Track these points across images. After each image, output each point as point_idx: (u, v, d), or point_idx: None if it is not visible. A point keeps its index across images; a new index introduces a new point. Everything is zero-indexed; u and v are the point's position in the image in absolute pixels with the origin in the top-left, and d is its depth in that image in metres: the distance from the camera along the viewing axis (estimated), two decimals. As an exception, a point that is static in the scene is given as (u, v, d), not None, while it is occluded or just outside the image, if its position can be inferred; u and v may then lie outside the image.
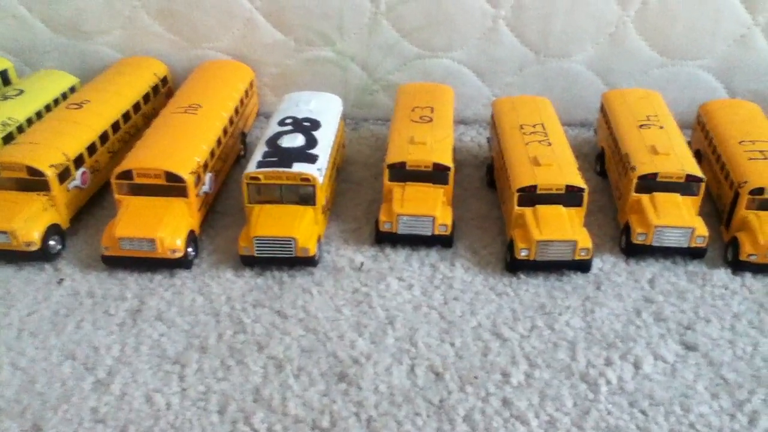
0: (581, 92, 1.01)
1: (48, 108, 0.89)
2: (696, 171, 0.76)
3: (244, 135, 0.94)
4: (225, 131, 0.85)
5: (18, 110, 0.84)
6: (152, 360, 0.60)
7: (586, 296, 0.69)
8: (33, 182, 0.72)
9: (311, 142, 0.78)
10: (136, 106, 0.91)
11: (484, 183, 0.88)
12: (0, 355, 0.60)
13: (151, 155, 0.73)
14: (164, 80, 0.98)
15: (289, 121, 0.82)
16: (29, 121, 0.85)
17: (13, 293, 0.68)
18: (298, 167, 0.73)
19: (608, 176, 0.88)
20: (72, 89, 0.94)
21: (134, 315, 0.65)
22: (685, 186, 0.75)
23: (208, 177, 0.77)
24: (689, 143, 0.83)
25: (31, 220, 0.71)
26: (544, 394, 0.58)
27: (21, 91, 0.88)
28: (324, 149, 0.78)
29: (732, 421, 0.56)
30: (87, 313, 0.65)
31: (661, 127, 0.83)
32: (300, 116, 0.83)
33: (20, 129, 0.83)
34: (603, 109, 0.92)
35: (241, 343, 0.62)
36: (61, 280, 0.69)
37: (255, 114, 1.02)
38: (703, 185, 0.75)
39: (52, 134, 0.77)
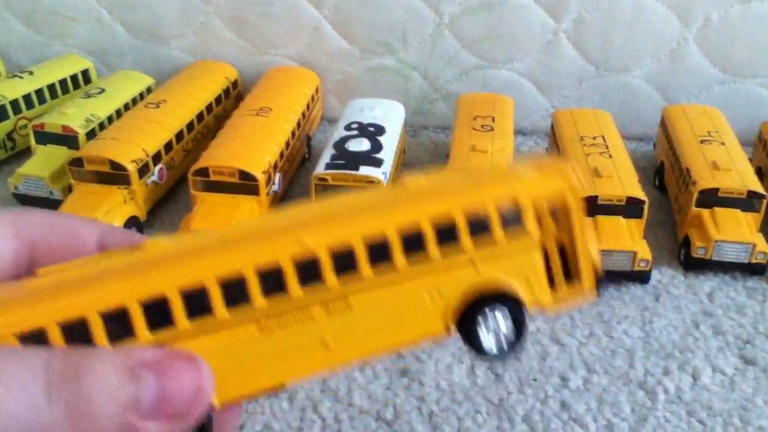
0: (640, 107, 1.02)
1: (127, 107, 0.93)
2: (758, 187, 0.76)
3: (309, 138, 0.98)
4: (293, 134, 0.88)
5: (100, 108, 0.89)
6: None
7: (645, 307, 0.70)
8: (115, 176, 0.77)
9: (376, 146, 0.81)
10: (209, 108, 0.95)
11: (542, 193, 0.90)
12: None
13: (225, 154, 0.77)
14: (234, 84, 1.03)
15: (354, 126, 0.86)
16: (110, 119, 0.90)
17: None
18: (365, 170, 0.76)
19: (667, 190, 0.88)
20: (149, 89, 0.99)
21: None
22: (747, 202, 0.76)
23: (277, 177, 0.80)
24: (750, 160, 0.83)
25: (112, 211, 0.75)
26: (602, 400, 0.60)
27: (102, 90, 0.93)
28: (389, 154, 0.81)
29: (791, 436, 0.57)
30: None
31: (722, 144, 0.83)
32: (365, 122, 0.86)
33: (101, 126, 0.88)
34: (663, 124, 0.93)
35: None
36: None
37: (320, 119, 1.06)
38: (764, 202, 0.75)
39: (132, 131, 0.81)
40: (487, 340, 0.34)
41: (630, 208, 0.74)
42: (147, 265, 0.31)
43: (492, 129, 0.86)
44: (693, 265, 0.75)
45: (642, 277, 0.73)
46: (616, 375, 0.62)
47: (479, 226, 0.33)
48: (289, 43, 1.04)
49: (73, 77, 1.01)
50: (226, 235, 0.32)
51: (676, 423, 0.57)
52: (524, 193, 0.33)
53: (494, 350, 0.34)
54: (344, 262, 0.32)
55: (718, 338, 0.66)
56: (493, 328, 0.34)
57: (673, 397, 0.60)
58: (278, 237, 0.32)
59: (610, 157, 0.81)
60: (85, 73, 1.02)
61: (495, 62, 1.02)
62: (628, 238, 0.72)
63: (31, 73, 0.97)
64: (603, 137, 0.85)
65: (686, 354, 0.64)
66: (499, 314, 0.34)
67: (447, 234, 0.33)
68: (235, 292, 0.31)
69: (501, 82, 1.03)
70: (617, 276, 0.72)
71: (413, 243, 0.33)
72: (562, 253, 0.35)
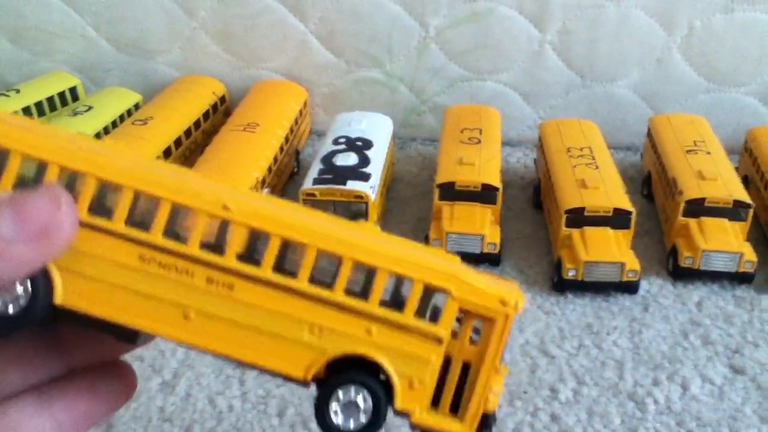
0: (626, 116, 1.03)
1: (114, 124, 0.93)
2: (744, 197, 0.76)
3: (297, 153, 0.98)
4: (281, 149, 0.88)
5: (87, 125, 0.89)
6: (214, 364, 0.62)
7: (633, 317, 0.70)
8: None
9: (364, 160, 0.81)
10: (197, 123, 0.95)
11: (531, 204, 0.90)
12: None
13: (213, 171, 0.77)
14: (222, 99, 1.03)
15: (342, 140, 0.86)
16: (97, 136, 0.89)
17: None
18: (352, 185, 0.76)
19: (655, 200, 0.89)
20: (136, 106, 0.99)
21: (197, 322, 0.68)
22: (733, 211, 0.76)
23: (265, 192, 0.80)
24: (737, 169, 0.83)
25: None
26: (591, 411, 0.60)
27: (89, 108, 0.93)
28: (376, 168, 0.81)
29: (781, 445, 0.57)
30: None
31: (708, 153, 0.84)
32: (353, 135, 0.86)
33: (88, 143, 0.87)
34: (650, 134, 0.94)
35: (298, 352, 0.64)
36: None
37: (308, 132, 1.06)
38: (751, 211, 0.76)
39: (119, 149, 0.81)
40: (335, 414, 0.32)
41: (617, 219, 0.74)
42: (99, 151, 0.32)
43: (479, 141, 0.87)
44: (681, 274, 0.75)
45: (630, 288, 0.73)
46: (606, 386, 0.62)
47: (395, 299, 0.31)
48: (275, 56, 1.04)
49: (61, 95, 1.00)
50: (168, 167, 0.33)
51: (666, 434, 0.58)
52: (458, 293, 0.31)
53: (339, 426, 0.32)
54: (252, 249, 0.31)
55: (707, 348, 0.66)
56: (350, 405, 0.31)
57: (663, 408, 0.60)
58: (211, 190, 0.31)
59: (597, 168, 0.81)
60: (73, 90, 1.02)
61: (481, 74, 1.03)
62: (615, 249, 0.73)
63: (17, 91, 0.97)
64: (590, 148, 0.85)
65: (675, 364, 0.64)
66: (361, 396, 0.31)
67: (361, 286, 0.32)
68: (140, 214, 0.31)
69: (488, 93, 1.04)
70: (606, 287, 0.73)
71: (324, 272, 0.31)
72: (464, 377, 0.32)
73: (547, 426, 0.58)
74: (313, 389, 0.32)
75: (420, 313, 0.31)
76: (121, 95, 0.99)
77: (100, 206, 0.31)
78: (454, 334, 0.32)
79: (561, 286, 0.73)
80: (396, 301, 0.32)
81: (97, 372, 0.34)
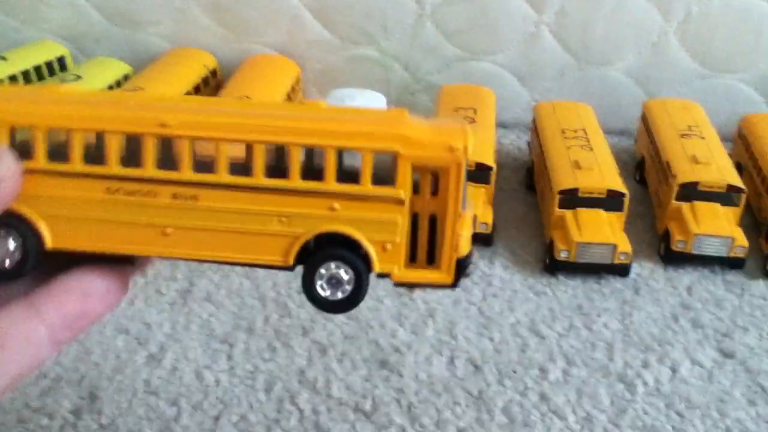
0: (621, 100, 1.02)
1: (102, 94, 0.91)
2: (737, 181, 0.76)
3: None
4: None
5: (74, 94, 0.87)
6: (201, 338, 0.62)
7: (624, 300, 0.70)
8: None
9: (357, 137, 0.80)
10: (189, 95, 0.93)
11: (523, 185, 0.90)
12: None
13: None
14: (213, 72, 1.01)
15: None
16: (84, 106, 0.87)
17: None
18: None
19: (648, 184, 0.88)
20: (126, 77, 0.97)
21: (184, 295, 0.67)
22: (726, 196, 0.76)
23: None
24: (730, 155, 0.83)
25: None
26: (581, 392, 0.59)
27: (78, 77, 0.91)
28: (369, 144, 0.80)
29: (768, 428, 0.57)
30: (139, 291, 0.67)
31: (702, 138, 0.84)
32: (345, 112, 0.85)
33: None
34: (644, 118, 0.93)
35: (286, 326, 0.64)
36: None
37: (299, 108, 1.04)
38: (744, 196, 0.76)
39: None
40: (322, 290, 0.34)
41: (611, 201, 0.74)
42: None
43: (474, 121, 0.86)
44: (673, 258, 0.75)
45: (622, 270, 0.72)
46: (596, 367, 0.62)
47: (349, 172, 0.33)
48: (268, 31, 1.02)
49: (48, 64, 0.98)
50: (106, 96, 0.37)
51: (654, 415, 0.57)
52: (406, 151, 0.32)
53: (327, 299, 0.34)
54: (204, 159, 0.33)
55: (696, 331, 0.66)
56: (333, 279, 0.34)
57: (652, 390, 0.60)
58: (149, 112, 0.33)
59: (591, 150, 0.80)
60: (61, 60, 0.99)
61: (477, 54, 1.02)
62: (608, 230, 0.72)
63: (4, 58, 0.95)
64: (584, 130, 0.85)
65: (665, 347, 0.64)
66: (342, 269, 0.34)
67: (314, 167, 0.33)
68: (95, 149, 0.33)
69: (482, 73, 1.02)
70: (597, 269, 0.72)
71: (278, 162, 0.33)
72: (434, 227, 0.34)
73: (537, 405, 0.58)
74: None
75: (378, 178, 0.33)
76: (111, 66, 0.97)
77: (59, 152, 0.33)
78: (417, 189, 0.33)
79: (553, 267, 0.73)
80: (350, 173, 0.33)
81: (85, 271, 0.34)
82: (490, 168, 0.78)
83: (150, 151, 0.33)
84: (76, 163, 0.33)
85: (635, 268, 0.74)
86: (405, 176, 0.32)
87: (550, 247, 0.73)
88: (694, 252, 0.73)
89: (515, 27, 0.99)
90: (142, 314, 0.64)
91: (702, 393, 0.60)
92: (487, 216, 0.76)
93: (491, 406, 0.58)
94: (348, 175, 0.33)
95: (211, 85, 1.00)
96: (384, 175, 0.33)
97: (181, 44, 1.03)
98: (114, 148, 0.33)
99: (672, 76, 1.00)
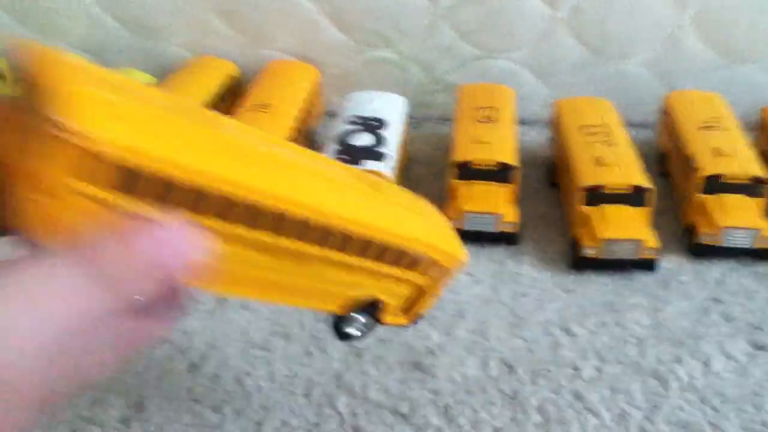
0: (640, 94, 1.02)
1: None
2: (762, 172, 0.76)
3: (310, 133, 0.97)
4: (294, 129, 0.88)
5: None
6: (240, 345, 0.63)
7: (654, 295, 0.70)
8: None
9: (379, 140, 0.81)
10: (213, 107, 0.94)
11: (545, 183, 0.90)
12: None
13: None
14: (235, 80, 1.02)
15: (356, 119, 0.85)
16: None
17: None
18: (370, 164, 0.75)
19: (670, 178, 0.88)
20: (147, 87, 0.98)
21: (221, 303, 0.68)
22: (751, 187, 0.76)
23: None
24: (753, 145, 0.83)
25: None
26: (614, 389, 0.60)
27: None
28: (392, 147, 0.80)
29: (804, 420, 0.57)
30: (174, 300, 0.68)
31: (725, 129, 0.84)
32: (366, 115, 0.86)
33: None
34: (664, 111, 0.93)
35: (322, 331, 0.64)
36: None
37: (320, 113, 1.05)
38: (769, 187, 0.76)
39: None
40: (350, 329, 0.47)
41: (636, 197, 0.74)
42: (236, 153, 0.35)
43: (495, 120, 0.86)
44: (700, 252, 0.75)
45: (649, 265, 0.73)
46: (628, 363, 0.62)
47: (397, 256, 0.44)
48: (285, 36, 1.03)
49: (69, 76, 0.99)
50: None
51: (689, 410, 0.58)
52: (435, 256, 0.45)
53: (351, 334, 0.47)
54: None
55: (728, 324, 0.66)
56: (357, 322, 0.46)
57: (686, 385, 0.60)
58: (279, 188, 0.36)
59: (614, 145, 0.81)
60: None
61: (493, 52, 1.02)
62: (634, 226, 0.72)
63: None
64: (605, 125, 0.85)
65: (697, 341, 0.64)
66: (364, 316, 0.46)
67: (373, 251, 0.42)
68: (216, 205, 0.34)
69: (499, 72, 1.03)
70: (624, 264, 0.73)
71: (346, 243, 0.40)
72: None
73: (571, 403, 0.58)
74: None
75: (408, 262, 0.44)
76: (134, 77, 0.98)
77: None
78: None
79: (579, 264, 0.73)
80: (395, 258, 0.43)
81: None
82: (513, 167, 0.78)
83: (268, 219, 0.35)
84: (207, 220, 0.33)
85: (663, 263, 0.74)
86: (426, 269, 0.45)
87: (575, 245, 0.74)
88: (722, 244, 0.73)
89: (530, 24, 0.99)
90: (181, 323, 0.65)
91: (736, 387, 0.60)
92: (511, 215, 0.77)
93: (526, 406, 0.58)
94: (391, 259, 0.43)
95: (236, 93, 1.01)
96: (411, 261, 0.44)
97: (200, 53, 1.04)
98: (240, 213, 0.34)
99: (691, 68, 1.00)
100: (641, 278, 0.72)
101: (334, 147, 0.79)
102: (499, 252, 0.76)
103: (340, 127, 0.84)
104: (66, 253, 0.29)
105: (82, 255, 0.29)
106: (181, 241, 0.31)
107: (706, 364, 0.62)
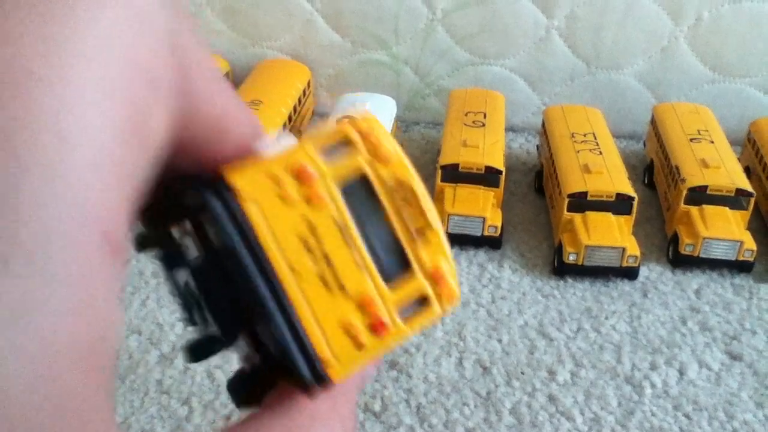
0: (630, 104, 1.03)
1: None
2: (746, 185, 0.76)
3: (300, 133, 0.97)
4: (284, 128, 0.88)
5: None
6: (215, 338, 0.63)
7: (633, 302, 0.70)
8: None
9: (367, 140, 0.81)
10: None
11: (532, 189, 0.90)
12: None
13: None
14: (226, 76, 1.02)
15: (347, 121, 0.85)
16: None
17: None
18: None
19: (656, 188, 0.89)
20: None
21: (198, 295, 0.68)
22: (735, 200, 0.76)
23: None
24: (739, 160, 0.84)
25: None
26: (589, 393, 0.60)
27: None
28: (380, 148, 0.80)
29: (776, 430, 0.57)
30: (152, 291, 0.68)
31: (712, 142, 0.84)
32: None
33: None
34: (653, 122, 0.94)
35: (298, 327, 0.65)
36: None
37: (311, 113, 1.06)
38: (752, 200, 0.76)
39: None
40: None
41: (619, 205, 0.74)
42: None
43: (484, 125, 0.86)
44: (681, 261, 0.75)
45: (630, 273, 0.73)
46: (604, 369, 0.62)
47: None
48: (280, 35, 1.03)
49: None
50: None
51: (662, 417, 0.58)
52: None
53: None
54: None
55: (704, 334, 0.66)
56: None
57: (660, 392, 0.60)
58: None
59: (601, 153, 0.81)
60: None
61: (487, 58, 1.02)
62: (617, 234, 0.73)
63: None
64: (594, 134, 0.85)
65: (673, 349, 0.65)
66: None
67: None
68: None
69: (492, 78, 1.03)
70: (606, 272, 0.73)
71: None
72: None
73: (545, 406, 0.59)
74: None
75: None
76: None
77: None
78: None
79: (561, 270, 0.73)
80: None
81: None
82: (500, 171, 0.79)
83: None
84: None
85: (643, 272, 0.74)
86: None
87: (558, 250, 0.74)
88: (703, 255, 0.74)
89: (525, 31, 1.00)
90: (154, 314, 0.65)
91: (709, 395, 0.60)
92: (496, 219, 0.77)
93: (499, 407, 0.58)
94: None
95: (224, 89, 1.01)
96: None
97: (194, 49, 1.04)
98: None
99: (682, 81, 1.01)
100: (621, 285, 0.73)
101: (321, 145, 0.79)
102: (480, 255, 0.77)
103: (329, 126, 0.84)
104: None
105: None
106: None
107: (681, 372, 0.62)
